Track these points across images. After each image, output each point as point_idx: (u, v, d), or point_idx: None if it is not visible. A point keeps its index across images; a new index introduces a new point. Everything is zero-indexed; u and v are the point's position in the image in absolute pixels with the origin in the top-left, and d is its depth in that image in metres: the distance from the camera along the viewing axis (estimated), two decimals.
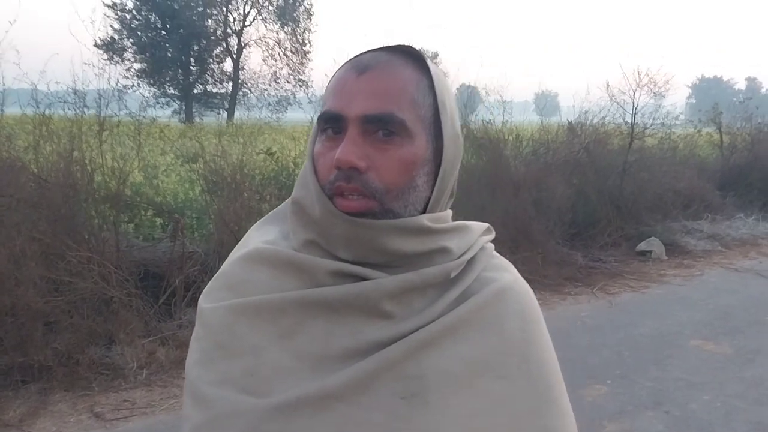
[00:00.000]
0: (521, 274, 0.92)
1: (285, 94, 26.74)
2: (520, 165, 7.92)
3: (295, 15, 27.07)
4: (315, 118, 0.88)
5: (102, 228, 4.89)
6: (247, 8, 26.68)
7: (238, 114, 23.84)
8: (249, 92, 26.54)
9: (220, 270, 0.87)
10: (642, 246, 7.88)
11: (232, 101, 26.11)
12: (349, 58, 0.83)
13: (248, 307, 0.79)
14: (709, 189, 10.02)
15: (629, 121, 9.27)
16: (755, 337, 5.05)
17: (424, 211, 0.81)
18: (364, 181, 0.75)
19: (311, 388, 0.73)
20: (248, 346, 0.77)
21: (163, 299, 5.10)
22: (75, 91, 4.82)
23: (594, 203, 8.29)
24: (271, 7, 26.82)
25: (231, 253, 0.90)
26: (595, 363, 4.51)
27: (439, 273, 0.79)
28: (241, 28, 26.88)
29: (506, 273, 0.86)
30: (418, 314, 0.77)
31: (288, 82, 27.08)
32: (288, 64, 27.32)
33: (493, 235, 0.92)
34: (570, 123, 9.81)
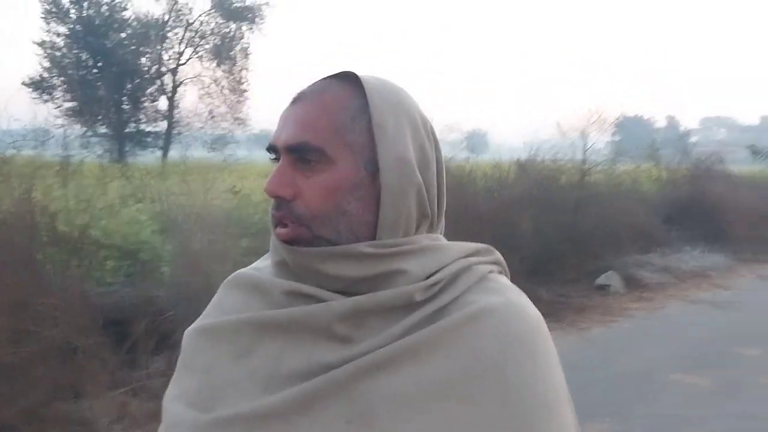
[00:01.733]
0: None
1: (223, 133, 26.36)
2: (480, 201, 7.96)
3: (231, 54, 26.89)
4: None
5: (64, 273, 4.60)
6: (183, 47, 26.35)
7: (174, 153, 23.36)
8: (185, 130, 26.06)
9: None
10: (601, 280, 7.99)
11: (167, 140, 25.55)
12: None
13: (209, 328, 0.83)
14: (656, 223, 10.31)
15: (577, 157, 9.51)
16: (733, 369, 5.13)
17: (374, 236, 0.77)
18: (291, 208, 0.77)
19: (248, 406, 0.74)
20: (203, 364, 0.80)
21: (127, 347, 4.81)
22: (35, 131, 4.56)
23: (550, 239, 8.38)
24: (207, 46, 26.58)
25: None
26: (582, 401, 4.45)
27: (397, 295, 0.75)
28: (176, 67, 26.47)
29: (496, 296, 0.77)
30: (374, 337, 0.74)
31: (225, 121, 26.77)
32: (225, 102, 27.03)
33: (490, 257, 0.85)
34: (519, 160, 10.02)
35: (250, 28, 26.70)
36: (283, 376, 0.75)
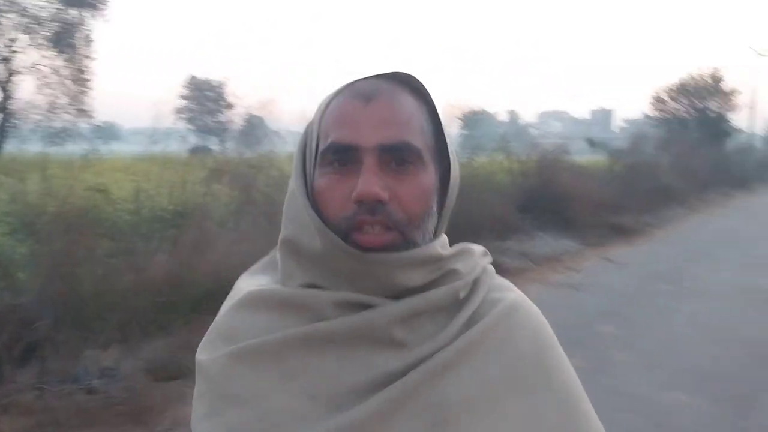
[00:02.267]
0: None
1: (64, 125, 24.63)
2: None
3: (72, 42, 25.18)
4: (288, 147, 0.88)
5: None
6: (17, 34, 24.31)
7: (9, 147, 21.56)
8: (21, 123, 24.09)
9: (213, 322, 0.85)
10: None
11: (1, 134, 23.52)
12: (343, 85, 0.82)
13: (247, 352, 0.77)
14: (511, 212, 10.90)
15: None
16: (593, 347, 5.54)
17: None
18: (388, 213, 0.74)
19: (332, 425, 0.71)
20: (252, 392, 0.75)
21: None
22: None
23: None
24: (45, 33, 24.69)
25: (222, 306, 0.88)
26: None
27: (447, 295, 0.78)
28: (10, 55, 24.40)
29: (510, 292, 0.86)
30: (430, 339, 0.76)
31: (67, 112, 25.05)
32: (66, 93, 25.27)
33: (491, 258, 0.92)
34: None
35: (93, 15, 25.19)
36: (347, 391, 0.73)
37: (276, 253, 0.90)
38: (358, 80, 0.81)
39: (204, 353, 0.81)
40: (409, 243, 0.76)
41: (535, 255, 9.48)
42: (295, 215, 0.80)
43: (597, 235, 11.55)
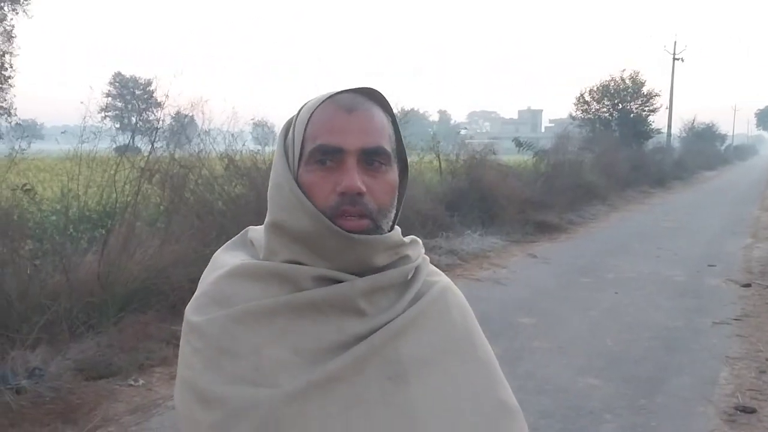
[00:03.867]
0: None
1: None
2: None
3: None
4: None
5: None
6: None
7: None
8: None
9: (200, 290, 0.98)
10: None
11: None
12: (323, 97, 0.95)
13: (244, 313, 0.90)
14: (440, 210, 11.18)
15: None
16: (514, 337, 5.83)
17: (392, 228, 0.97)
18: (364, 203, 0.90)
19: (317, 374, 0.86)
20: (249, 347, 0.88)
21: None
22: None
23: None
24: None
25: (203, 277, 1.02)
26: None
27: (401, 275, 0.95)
28: None
29: (442, 277, 1.06)
30: (386, 311, 0.93)
31: None
32: None
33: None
34: None
35: (14, 10, 24.36)
36: (324, 349, 0.88)
37: (246, 233, 1.08)
38: (337, 93, 0.95)
39: (197, 315, 0.93)
40: (378, 229, 0.92)
41: (463, 252, 9.75)
42: (283, 202, 0.93)
43: (522, 232, 11.93)
